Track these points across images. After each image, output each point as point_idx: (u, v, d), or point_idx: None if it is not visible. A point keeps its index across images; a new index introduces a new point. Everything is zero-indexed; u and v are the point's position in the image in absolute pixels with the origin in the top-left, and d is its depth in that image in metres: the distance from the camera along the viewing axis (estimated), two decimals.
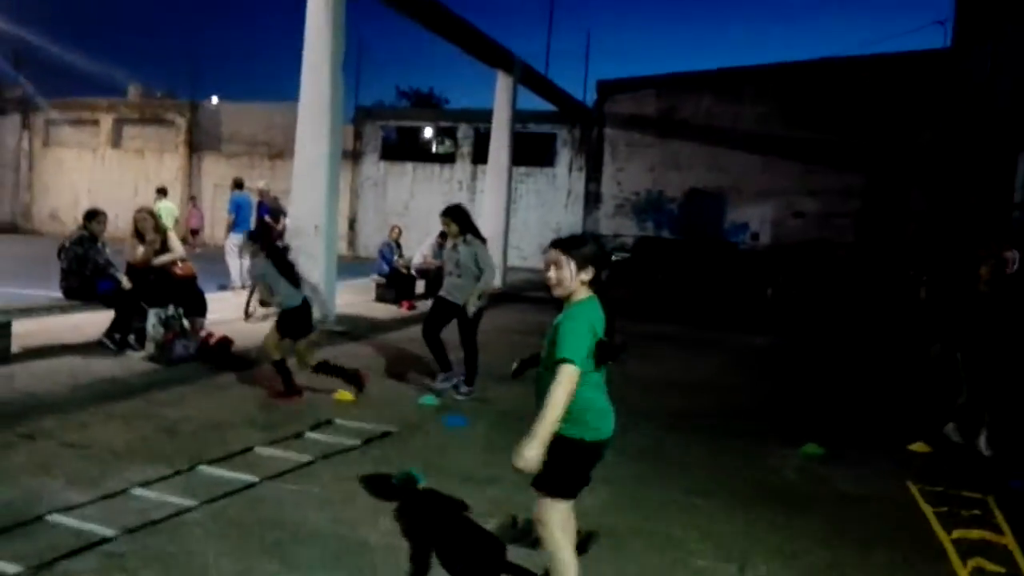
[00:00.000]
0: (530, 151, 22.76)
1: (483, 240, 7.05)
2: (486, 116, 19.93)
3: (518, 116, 18.92)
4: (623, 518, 4.23)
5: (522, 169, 22.05)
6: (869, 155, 18.95)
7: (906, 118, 18.57)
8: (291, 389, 6.35)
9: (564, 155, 23.46)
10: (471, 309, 6.74)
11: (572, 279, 2.96)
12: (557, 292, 3.00)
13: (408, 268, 13.22)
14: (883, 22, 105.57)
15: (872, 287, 15.64)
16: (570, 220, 22.93)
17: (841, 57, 20.01)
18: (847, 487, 5.05)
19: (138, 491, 4.15)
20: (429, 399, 6.60)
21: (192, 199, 19.78)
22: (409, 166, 25.25)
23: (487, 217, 18.28)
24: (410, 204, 24.73)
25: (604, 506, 4.38)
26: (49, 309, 7.31)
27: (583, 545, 3.79)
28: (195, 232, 20.23)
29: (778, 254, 18.54)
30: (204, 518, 3.88)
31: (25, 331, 7.00)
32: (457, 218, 6.96)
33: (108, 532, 3.60)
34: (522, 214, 22.66)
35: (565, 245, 3.01)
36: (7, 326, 6.64)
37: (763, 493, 4.79)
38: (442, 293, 7.01)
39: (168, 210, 14.86)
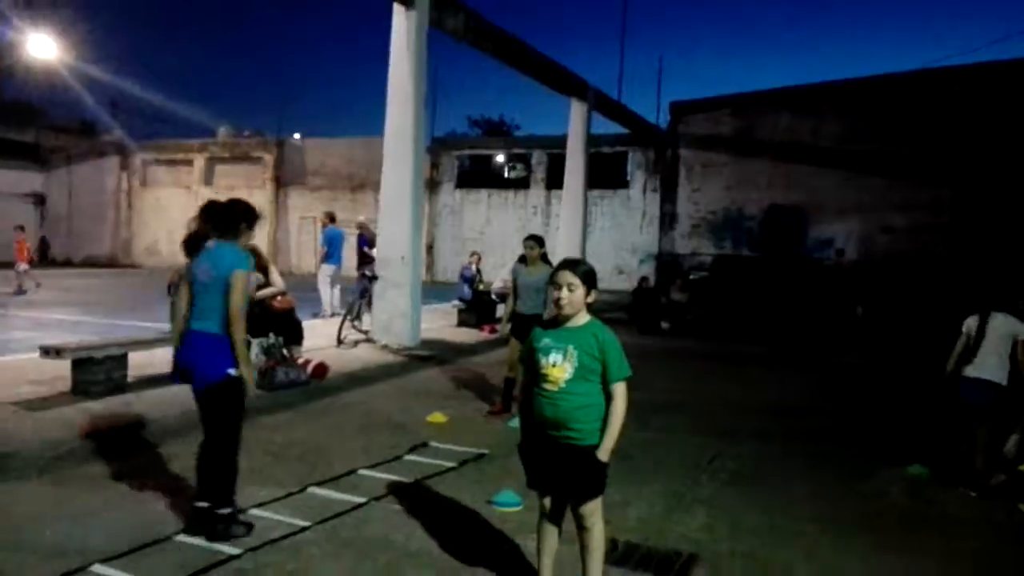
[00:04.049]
0: (604, 174, 22.88)
1: None
2: (559, 142, 20.22)
3: (591, 140, 19.12)
4: (723, 542, 4.22)
5: (596, 192, 22.16)
6: (958, 168, 18.26)
7: (996, 129, 17.83)
8: (508, 407, 6.88)
9: (638, 177, 23.46)
10: None
11: (582, 301, 3.23)
12: (566, 311, 3.24)
13: (489, 292, 13.45)
14: (966, 34, 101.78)
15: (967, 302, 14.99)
16: (645, 241, 22.88)
17: (925, 69, 19.43)
18: (956, 510, 4.90)
19: (255, 512, 4.39)
20: (517, 423, 6.71)
21: (19, 227, 18.37)
22: (484, 193, 25.71)
23: (562, 241, 18.44)
24: (486, 230, 25.14)
25: (702, 529, 4.39)
26: (160, 340, 7.78)
27: (683, 569, 3.83)
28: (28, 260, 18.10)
29: (866, 270, 17.98)
30: (319, 538, 4.09)
31: (138, 362, 7.47)
32: None
33: (233, 551, 3.84)
34: (597, 236, 22.73)
35: (579, 269, 3.28)
36: (124, 357, 7.11)
37: (870, 516, 4.70)
38: None
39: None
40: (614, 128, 21.53)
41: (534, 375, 3.29)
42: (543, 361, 3.24)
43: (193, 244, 4.39)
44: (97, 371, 6.75)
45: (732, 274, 19.18)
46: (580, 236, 18.88)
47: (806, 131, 20.12)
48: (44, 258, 29.19)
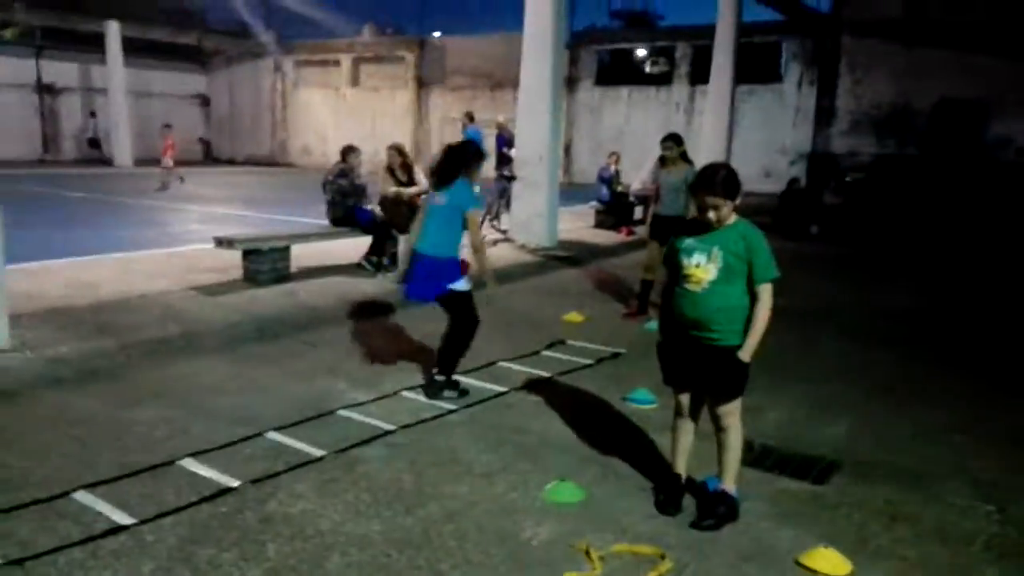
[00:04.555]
0: (755, 66, 21.38)
1: None
2: (705, 32, 19.05)
3: (742, 29, 17.88)
4: (866, 450, 4.13)
5: (744, 87, 20.84)
6: None
7: None
8: (643, 309, 7.01)
9: (793, 69, 21.83)
10: None
11: (729, 212, 3.19)
12: (716, 226, 3.20)
13: (627, 194, 13.25)
14: None
15: None
16: (798, 140, 21.50)
17: None
18: None
19: (407, 394, 4.75)
20: (653, 325, 6.73)
21: (166, 126, 19.63)
22: (624, 90, 24.89)
23: (706, 140, 17.68)
24: (625, 129, 24.48)
25: (846, 437, 4.31)
26: (318, 235, 8.35)
27: (823, 475, 3.80)
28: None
29: None
30: (464, 420, 4.38)
31: (300, 254, 8.05)
32: None
33: (389, 427, 4.19)
34: (744, 135, 21.54)
35: (720, 188, 3.15)
36: (287, 250, 7.68)
37: None
38: None
39: None
40: (767, 15, 20.00)
41: (676, 276, 3.29)
42: (686, 262, 3.22)
43: (443, 176, 4.81)
44: (264, 261, 7.35)
45: (894, 175, 17.74)
46: (725, 135, 18.00)
47: (987, 12, 17.80)
48: (208, 157, 31.47)
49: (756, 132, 22.08)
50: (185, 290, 6.94)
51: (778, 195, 15.24)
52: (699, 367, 3.28)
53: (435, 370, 4.85)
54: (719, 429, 3.34)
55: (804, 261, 10.96)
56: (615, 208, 12.97)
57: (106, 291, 6.79)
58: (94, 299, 6.50)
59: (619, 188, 13.25)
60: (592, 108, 25.26)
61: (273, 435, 4.05)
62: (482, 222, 10.79)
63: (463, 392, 4.80)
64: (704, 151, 15.94)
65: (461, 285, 4.78)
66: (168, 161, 18.51)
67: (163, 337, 5.59)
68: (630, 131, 24.31)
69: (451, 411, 4.47)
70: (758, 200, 17.64)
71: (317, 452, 3.84)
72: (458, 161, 4.80)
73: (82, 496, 3.31)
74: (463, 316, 4.83)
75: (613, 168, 13.58)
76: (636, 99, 24.59)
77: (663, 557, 2.98)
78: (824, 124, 20.41)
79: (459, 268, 4.79)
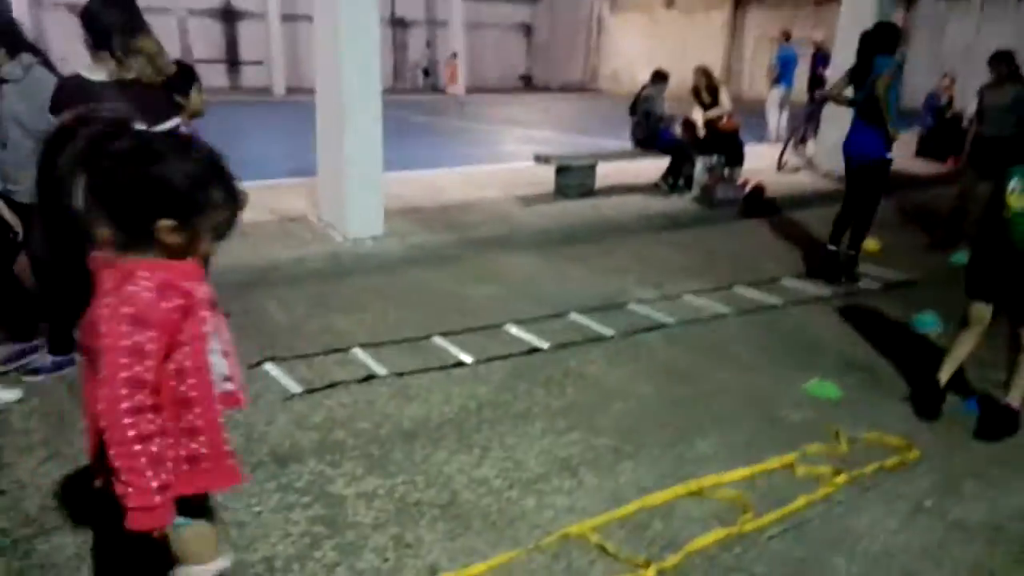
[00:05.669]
0: None
1: None
2: None
3: None
4: None
5: None
6: None
7: None
8: (952, 240, 6.92)
9: None
10: None
11: None
12: None
13: (960, 118, 11.95)
14: None
15: None
16: None
17: None
18: None
19: (688, 297, 5.33)
20: (961, 257, 6.42)
21: (453, 55, 21.95)
22: (977, 1, 21.63)
23: None
24: (974, 45, 21.38)
25: None
26: (621, 155, 9.07)
27: None
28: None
29: None
30: (735, 322, 4.87)
31: (604, 172, 8.84)
32: None
33: (668, 320, 4.84)
34: None
35: None
36: (593, 168, 8.51)
37: None
38: None
39: None
40: None
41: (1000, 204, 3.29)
42: (1009, 187, 3.25)
43: (861, 58, 5.54)
44: (573, 177, 8.27)
45: None
46: None
47: None
48: (528, 86, 33.67)
49: None
50: (509, 198, 8.13)
51: None
52: (1016, 286, 3.37)
53: (831, 247, 5.74)
54: (1019, 349, 3.45)
55: None
56: (940, 135, 11.82)
57: (449, 196, 8.22)
58: (441, 202, 7.94)
59: (949, 114, 12.00)
60: (935, 22, 22.38)
61: (574, 315, 4.91)
62: (785, 147, 10.72)
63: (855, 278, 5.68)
64: None
65: (889, 154, 5.50)
66: (453, 87, 20.97)
67: (492, 235, 6.77)
68: (980, 48, 21.13)
69: (724, 315, 4.98)
70: None
71: (608, 331, 4.63)
72: (873, 42, 5.39)
73: (437, 340, 4.46)
74: (880, 186, 5.56)
75: (945, 92, 12.29)
76: (991, 12, 21.27)
77: (910, 448, 3.28)
78: None
79: (885, 139, 5.43)
